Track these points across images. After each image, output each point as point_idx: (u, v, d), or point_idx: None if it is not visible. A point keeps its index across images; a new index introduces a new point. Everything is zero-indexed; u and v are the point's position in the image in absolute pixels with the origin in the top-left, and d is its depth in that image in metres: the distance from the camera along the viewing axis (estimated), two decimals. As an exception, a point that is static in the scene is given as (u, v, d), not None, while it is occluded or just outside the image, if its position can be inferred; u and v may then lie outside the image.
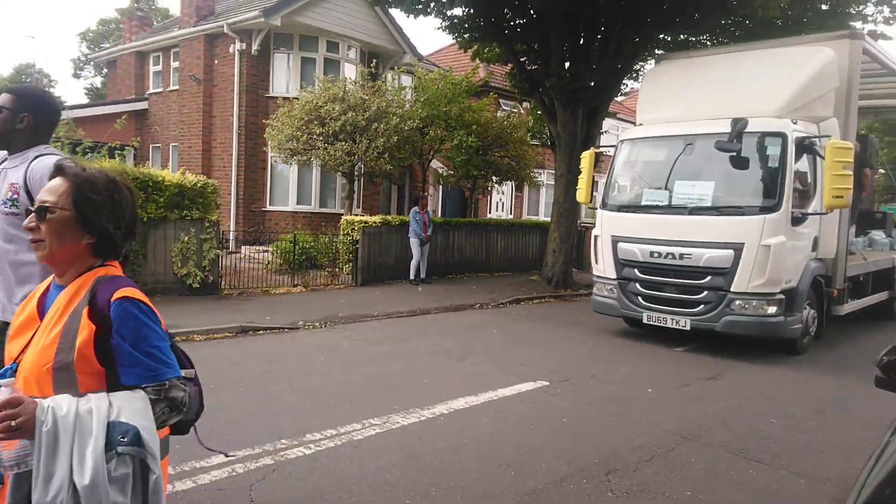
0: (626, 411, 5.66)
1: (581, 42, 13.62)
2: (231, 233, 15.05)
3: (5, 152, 2.96)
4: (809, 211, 7.86)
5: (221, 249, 11.19)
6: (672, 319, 8.10)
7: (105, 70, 26.96)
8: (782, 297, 7.60)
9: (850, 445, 5.00)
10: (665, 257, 8.08)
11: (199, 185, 10.69)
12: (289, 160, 14.81)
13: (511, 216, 23.80)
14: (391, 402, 5.59)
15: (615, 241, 8.65)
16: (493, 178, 17.83)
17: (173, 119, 19.40)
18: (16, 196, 2.82)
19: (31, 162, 2.85)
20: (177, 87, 19.28)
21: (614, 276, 8.67)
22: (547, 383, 6.44)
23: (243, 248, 14.77)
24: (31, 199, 2.71)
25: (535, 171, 18.75)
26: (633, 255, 8.42)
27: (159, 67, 20.36)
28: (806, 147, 7.77)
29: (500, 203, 24.10)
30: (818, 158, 7.79)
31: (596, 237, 9.03)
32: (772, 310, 7.56)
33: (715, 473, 4.36)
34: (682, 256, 7.94)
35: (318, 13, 17.23)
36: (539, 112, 16.81)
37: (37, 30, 77.97)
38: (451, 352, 7.78)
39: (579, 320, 10.25)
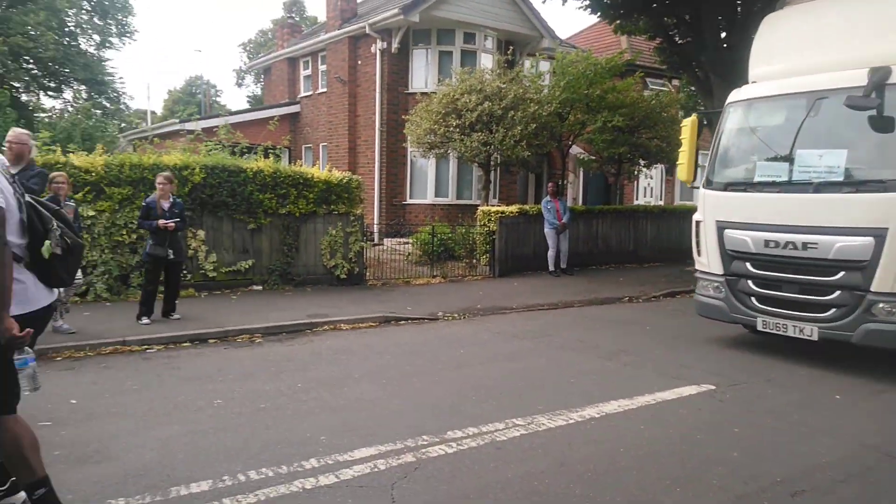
0: (811, 421, 4.89)
1: (738, 9, 12.36)
2: (375, 226, 15.41)
3: None
4: None
5: (366, 242, 11.50)
6: (794, 327, 6.54)
7: (262, 77, 28.91)
8: None
9: None
10: (784, 247, 6.52)
11: (344, 181, 11.03)
12: (427, 154, 14.88)
13: (661, 202, 22.39)
14: (535, 402, 5.24)
15: (721, 227, 7.12)
16: (641, 162, 16.74)
17: (322, 120, 20.30)
18: None
19: None
20: (325, 90, 20.14)
21: (721, 272, 7.17)
22: (713, 387, 5.76)
23: (386, 240, 15.08)
24: None
25: (688, 153, 17.30)
26: (744, 245, 6.89)
27: (309, 72, 21.40)
28: None
29: (648, 188, 22.76)
30: None
31: (698, 223, 7.47)
32: None
33: (937, 504, 3.57)
34: (805, 246, 6.37)
35: (454, 5, 17.11)
36: (692, 88, 15.52)
37: (203, 44, 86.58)
38: (600, 349, 7.26)
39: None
